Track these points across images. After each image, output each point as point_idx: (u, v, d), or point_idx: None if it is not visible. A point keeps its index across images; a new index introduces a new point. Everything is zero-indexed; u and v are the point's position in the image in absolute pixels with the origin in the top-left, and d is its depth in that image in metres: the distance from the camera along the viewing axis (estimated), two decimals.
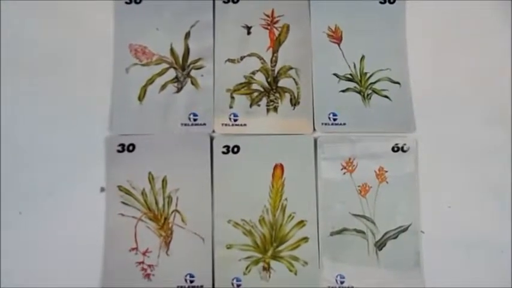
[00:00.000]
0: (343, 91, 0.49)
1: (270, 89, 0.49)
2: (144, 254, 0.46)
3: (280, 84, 0.49)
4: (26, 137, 0.48)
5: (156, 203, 0.47)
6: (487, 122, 0.50)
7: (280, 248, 0.47)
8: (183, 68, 0.49)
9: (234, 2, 0.51)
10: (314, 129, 0.48)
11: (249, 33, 0.50)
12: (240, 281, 0.46)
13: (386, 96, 0.50)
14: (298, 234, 0.47)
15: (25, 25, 0.50)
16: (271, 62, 0.50)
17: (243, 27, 0.50)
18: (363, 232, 0.47)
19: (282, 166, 0.48)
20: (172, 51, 0.50)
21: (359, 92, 0.50)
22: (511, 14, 0.51)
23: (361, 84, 0.50)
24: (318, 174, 0.48)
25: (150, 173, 0.47)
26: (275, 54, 0.50)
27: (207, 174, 0.47)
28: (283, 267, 0.46)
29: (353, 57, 0.50)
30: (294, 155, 0.48)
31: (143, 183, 0.47)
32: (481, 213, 0.48)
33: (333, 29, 0.51)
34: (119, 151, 0.47)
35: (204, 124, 0.48)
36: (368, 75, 0.50)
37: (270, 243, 0.47)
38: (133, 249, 0.46)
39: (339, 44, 0.50)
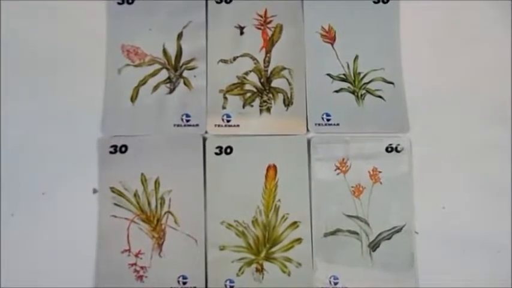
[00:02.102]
0: (336, 91, 0.49)
1: (263, 89, 0.49)
2: (136, 255, 0.46)
3: (273, 84, 0.49)
4: (18, 138, 0.48)
5: (149, 204, 0.47)
6: (481, 122, 0.49)
7: (273, 249, 0.47)
8: (175, 69, 0.49)
9: (226, 2, 0.50)
10: (307, 130, 0.48)
11: (242, 33, 0.50)
12: (233, 282, 0.46)
13: (380, 97, 0.49)
14: (292, 235, 0.47)
15: (16, 26, 0.50)
16: (264, 62, 0.50)
17: (236, 27, 0.50)
18: (357, 233, 0.47)
19: (275, 167, 0.47)
20: (164, 52, 0.49)
21: (352, 92, 0.49)
22: (511, 11, 0.51)
23: (354, 84, 0.49)
24: (312, 175, 0.47)
25: (142, 174, 0.47)
26: (268, 55, 0.50)
27: (199, 175, 0.47)
28: (277, 268, 0.46)
29: (346, 57, 0.50)
30: (287, 156, 0.47)
31: (136, 184, 0.47)
32: (475, 213, 0.48)
33: (327, 29, 0.50)
34: (111, 152, 0.47)
35: (197, 125, 0.48)
36: (362, 75, 0.50)
37: (263, 245, 0.47)
38: (125, 250, 0.46)
39: (332, 44, 0.50)
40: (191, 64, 0.49)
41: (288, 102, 0.49)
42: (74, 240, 0.46)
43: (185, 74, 0.49)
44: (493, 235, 0.47)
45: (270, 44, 0.50)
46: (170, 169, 0.47)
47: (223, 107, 0.48)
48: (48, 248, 0.46)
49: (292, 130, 0.48)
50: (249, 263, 0.46)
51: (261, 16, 0.50)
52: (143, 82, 0.49)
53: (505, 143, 0.49)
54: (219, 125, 0.48)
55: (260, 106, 0.49)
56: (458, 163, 0.49)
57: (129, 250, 0.46)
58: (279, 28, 0.50)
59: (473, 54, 0.51)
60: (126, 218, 0.46)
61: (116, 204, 0.47)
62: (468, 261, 0.47)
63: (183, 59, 0.49)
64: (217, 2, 0.50)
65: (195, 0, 0.50)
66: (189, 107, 0.48)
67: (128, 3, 0.50)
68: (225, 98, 0.49)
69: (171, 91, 0.49)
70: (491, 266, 0.47)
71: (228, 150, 0.47)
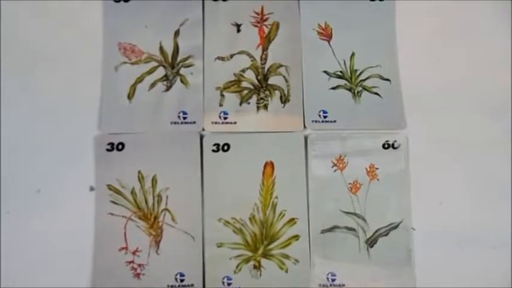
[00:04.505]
0: (333, 88, 0.49)
1: (260, 86, 0.49)
2: (134, 253, 0.46)
3: (270, 81, 0.49)
4: (14, 135, 0.48)
5: (146, 202, 0.47)
6: (477, 117, 0.49)
7: (271, 246, 0.47)
8: (172, 66, 0.49)
9: (223, 0, 0.50)
10: (304, 127, 0.48)
11: (238, 31, 0.50)
12: (230, 279, 0.46)
13: (376, 93, 0.49)
14: (289, 232, 0.47)
15: (13, 24, 0.50)
16: (261, 59, 0.50)
17: (233, 25, 0.50)
18: (354, 229, 0.47)
19: (272, 164, 0.47)
20: (161, 50, 0.49)
21: (349, 89, 0.49)
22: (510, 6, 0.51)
23: (351, 81, 0.50)
24: (309, 171, 0.47)
25: (139, 171, 0.47)
26: (265, 52, 0.50)
27: (197, 173, 0.47)
28: (274, 265, 0.46)
29: (343, 54, 0.50)
30: (284, 153, 0.48)
31: (133, 182, 0.47)
32: (472, 209, 0.48)
33: (323, 26, 0.50)
34: (108, 150, 0.47)
35: (194, 122, 0.48)
36: (358, 72, 0.50)
37: (261, 242, 0.47)
38: (123, 248, 0.46)
39: (328, 41, 0.50)
40: (188, 61, 0.49)
41: (284, 99, 0.49)
42: (71, 239, 0.46)
43: (182, 71, 0.49)
44: (490, 231, 0.48)
45: (266, 41, 0.50)
46: (167, 166, 0.47)
47: (220, 104, 0.48)
48: (44, 246, 0.46)
49: (289, 127, 0.48)
50: (247, 260, 0.46)
51: (257, 13, 0.50)
52: (140, 80, 0.49)
53: (502, 138, 0.49)
54: (216, 123, 0.48)
55: (257, 103, 0.49)
56: (454, 159, 0.49)
57: (126, 248, 0.46)
58: (276, 25, 0.50)
59: (470, 50, 0.51)
60: (123, 216, 0.46)
61: (113, 202, 0.46)
62: (463, 257, 0.47)
63: (180, 57, 0.49)
64: (214, 0, 0.50)
65: None
66: (186, 104, 0.48)
67: (125, 0, 0.50)
68: (222, 96, 0.49)
69: (168, 89, 0.49)
70: (488, 261, 0.47)
71: (225, 148, 0.47)
